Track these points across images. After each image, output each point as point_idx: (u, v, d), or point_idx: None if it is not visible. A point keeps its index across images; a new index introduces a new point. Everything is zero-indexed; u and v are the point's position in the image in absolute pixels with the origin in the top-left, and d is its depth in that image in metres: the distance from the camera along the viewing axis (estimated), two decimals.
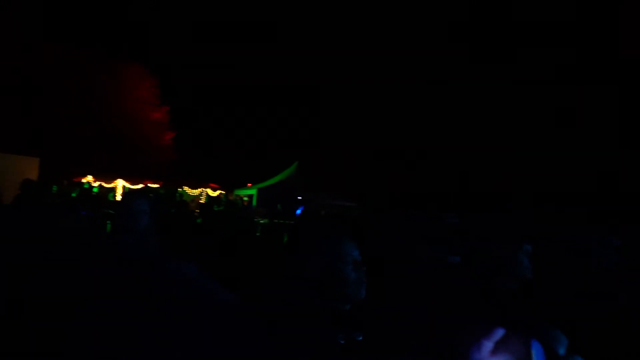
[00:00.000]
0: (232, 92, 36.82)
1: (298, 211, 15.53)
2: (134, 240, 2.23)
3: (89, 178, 18.44)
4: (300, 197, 18.53)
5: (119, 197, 17.57)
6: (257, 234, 13.06)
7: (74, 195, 13.73)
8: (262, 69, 38.09)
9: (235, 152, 33.28)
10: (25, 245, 3.15)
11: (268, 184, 22.46)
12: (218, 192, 21.63)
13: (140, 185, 18.75)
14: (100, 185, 18.27)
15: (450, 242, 3.02)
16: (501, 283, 1.92)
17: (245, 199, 22.38)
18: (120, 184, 19.03)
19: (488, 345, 0.78)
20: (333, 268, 1.23)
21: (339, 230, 1.32)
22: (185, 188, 20.95)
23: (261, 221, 14.27)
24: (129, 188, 19.12)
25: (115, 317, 1.03)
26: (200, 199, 20.51)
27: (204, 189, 21.69)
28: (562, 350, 1.11)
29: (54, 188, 12.44)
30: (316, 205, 17.66)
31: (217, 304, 0.99)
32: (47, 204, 5.92)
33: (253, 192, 21.95)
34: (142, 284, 1.07)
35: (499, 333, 0.79)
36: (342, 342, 1.12)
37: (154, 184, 19.81)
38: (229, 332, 0.95)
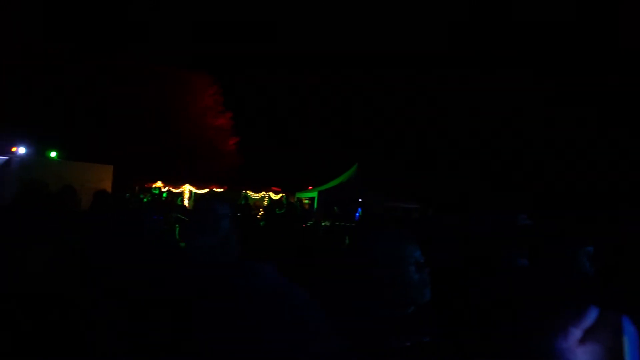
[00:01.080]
0: (293, 96, 37.29)
1: (357, 214, 15.45)
2: (216, 242, 2.31)
3: (159, 184, 19.26)
4: (360, 199, 18.46)
5: (186, 202, 18.24)
6: (319, 236, 13.16)
7: (145, 200, 14.33)
8: (324, 71, 38.24)
9: (296, 155, 33.63)
10: (116, 247, 3.34)
11: (328, 186, 22.54)
12: (280, 195, 21.95)
13: (206, 190, 19.38)
14: (169, 190, 19.03)
15: (524, 244, 2.92)
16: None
17: (306, 201, 22.60)
18: (187, 189, 19.74)
19: (576, 332, 0.69)
20: (395, 270, 1.22)
21: (401, 232, 1.30)
22: (248, 192, 21.43)
23: (322, 224, 14.33)
24: (196, 193, 19.82)
25: (212, 316, 1.07)
26: (263, 203, 20.92)
27: (266, 193, 22.10)
28: None
29: (127, 195, 13.11)
30: (376, 207, 17.55)
31: (298, 304, 1.01)
32: (125, 210, 6.22)
33: (314, 194, 22.09)
34: (231, 285, 1.10)
35: (590, 316, 0.70)
36: (408, 344, 1.11)
37: (219, 188, 20.40)
38: (310, 333, 0.97)
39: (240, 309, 1.01)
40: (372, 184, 20.52)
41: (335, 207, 15.86)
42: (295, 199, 21.86)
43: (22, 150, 12.36)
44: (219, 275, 1.21)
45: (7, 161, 12.23)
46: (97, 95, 24.07)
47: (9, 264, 4.32)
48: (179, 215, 10.91)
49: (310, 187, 23.72)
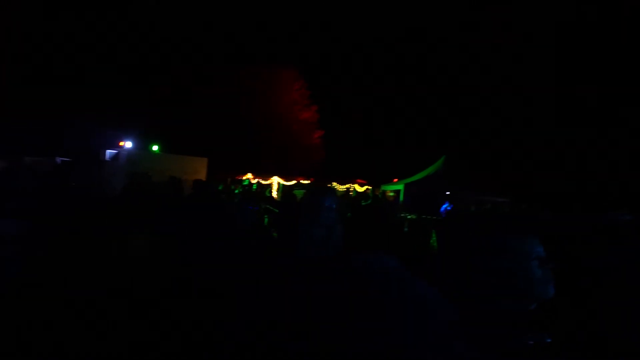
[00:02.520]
0: (378, 88, 36.99)
1: (442, 208, 15.02)
2: (324, 234, 2.34)
3: (249, 175, 19.94)
4: (448, 192, 17.97)
5: (274, 193, 18.75)
6: (405, 230, 13.01)
7: (236, 191, 14.87)
8: (408, 64, 37.63)
9: (382, 147, 33.41)
10: (212, 236, 3.51)
11: (415, 179, 22.16)
12: (365, 187, 21.92)
13: (293, 182, 19.79)
14: (258, 182, 19.65)
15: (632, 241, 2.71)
16: None
17: (392, 194, 22.36)
18: (275, 181, 20.28)
19: None
20: (516, 266, 1.16)
21: (522, 226, 1.23)
22: (334, 184, 21.59)
23: (408, 217, 14.14)
24: (284, 184, 20.29)
25: (329, 308, 1.07)
26: (348, 195, 21.00)
27: (351, 185, 22.16)
28: None
29: (220, 187, 13.67)
30: (465, 200, 17.00)
31: (420, 298, 0.99)
32: (221, 200, 6.49)
33: (400, 187, 21.83)
34: (346, 276, 1.11)
35: None
36: (531, 342, 1.06)
37: (306, 180, 20.74)
38: (431, 329, 0.95)
39: (368, 302, 1.01)
40: (460, 176, 19.92)
41: (419, 201, 15.55)
42: (380, 192, 21.73)
43: (128, 144, 13.30)
44: (329, 266, 1.22)
45: (116, 154, 13.22)
46: (193, 93, 25.39)
47: (115, 249, 4.69)
48: (268, 206, 11.21)
49: (395, 180, 23.47)
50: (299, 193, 14.20)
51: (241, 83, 27.05)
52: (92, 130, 17.24)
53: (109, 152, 13.44)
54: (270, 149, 26.83)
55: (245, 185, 17.27)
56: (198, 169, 13.28)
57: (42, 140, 18.87)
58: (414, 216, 14.13)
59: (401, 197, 20.82)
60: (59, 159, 16.31)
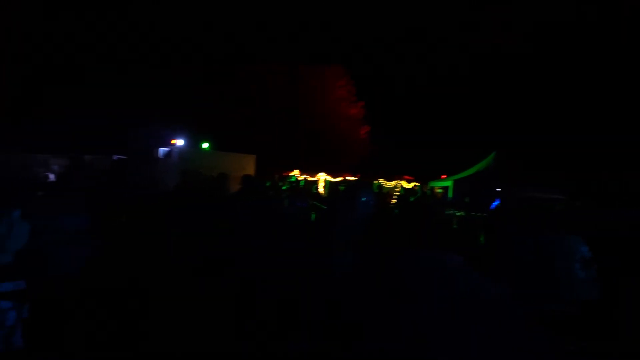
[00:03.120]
0: (427, 83, 36.40)
1: (493, 205, 14.66)
2: (358, 228, 2.39)
3: (296, 172, 20.13)
4: (499, 189, 17.52)
5: (321, 190, 18.86)
6: (454, 227, 12.78)
7: (284, 188, 15.05)
8: (457, 58, 36.79)
9: (430, 143, 32.89)
10: (261, 232, 3.61)
11: (464, 175, 21.73)
12: (413, 184, 21.69)
13: (340, 178, 19.84)
14: (305, 179, 19.81)
15: None
16: None
17: (440, 190, 22.02)
18: (322, 177, 20.38)
19: None
20: (555, 267, 1.15)
21: (560, 224, 1.21)
22: (381, 180, 21.48)
23: (457, 213, 13.90)
24: (330, 181, 20.38)
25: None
26: (395, 192, 20.83)
27: (398, 181, 21.97)
28: None
29: (267, 183, 13.89)
30: (517, 197, 16.53)
31: (488, 297, 0.99)
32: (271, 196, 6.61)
33: (449, 184, 21.47)
34: (416, 271, 1.13)
35: None
36: (571, 347, 1.05)
37: (352, 176, 20.74)
38: (501, 330, 0.95)
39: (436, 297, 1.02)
40: (512, 173, 19.38)
41: (465, 198, 15.21)
42: (429, 188, 21.44)
43: (180, 142, 13.72)
44: (383, 261, 1.24)
45: (168, 152, 13.68)
46: (241, 92, 25.87)
47: (167, 242, 4.86)
48: (315, 203, 11.27)
49: (444, 176, 23.10)
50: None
51: (288, 81, 27.35)
52: (146, 129, 17.88)
53: (162, 150, 13.91)
54: (317, 146, 26.98)
55: (293, 182, 17.45)
56: (246, 166, 13.56)
57: (99, 138, 19.74)
58: (462, 213, 13.86)
59: (450, 194, 20.48)
60: (115, 157, 17.04)
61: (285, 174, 20.17)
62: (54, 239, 2.68)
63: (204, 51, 26.49)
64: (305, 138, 27.02)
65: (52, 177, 14.81)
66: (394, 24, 38.67)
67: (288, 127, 26.72)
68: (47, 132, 21.14)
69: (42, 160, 19.36)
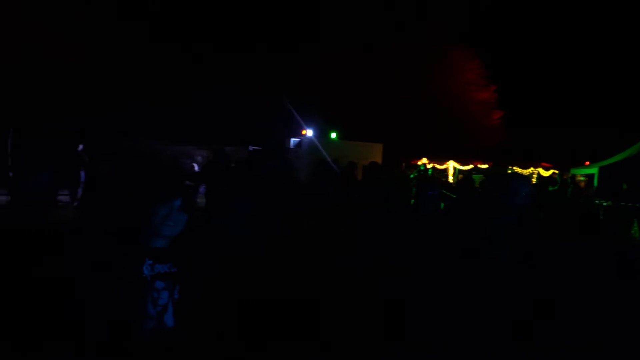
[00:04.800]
0: (565, 61, 33.32)
1: None
2: (516, 221, 2.27)
3: (424, 160, 19.71)
4: None
5: (450, 178, 18.27)
6: (601, 218, 11.60)
7: (412, 176, 14.84)
8: (598, 33, 33.08)
9: (571, 127, 30.12)
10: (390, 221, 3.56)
11: (612, 161, 19.56)
12: (551, 171, 20.11)
13: (470, 167, 19.02)
14: (433, 167, 19.33)
15: None
16: None
17: (582, 179, 20.12)
18: (451, 165, 19.72)
19: None
20: None
21: None
22: (515, 168, 20.20)
23: (604, 204, 12.63)
24: (459, 169, 19.65)
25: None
26: (532, 180, 19.44)
27: (534, 169, 20.52)
28: None
29: (412, 175, 13.80)
30: None
31: None
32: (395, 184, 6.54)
33: (593, 171, 19.49)
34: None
35: None
36: None
37: (483, 164, 19.79)
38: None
39: None
40: None
41: (624, 184, 13.59)
42: (570, 176, 19.67)
43: (310, 132, 14.15)
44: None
45: (299, 142, 14.19)
46: (366, 80, 25.90)
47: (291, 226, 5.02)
48: (444, 192, 10.93)
49: (587, 163, 21.06)
50: (477, 178, 13.60)
51: (415, 66, 26.75)
52: (279, 121, 18.74)
53: (293, 140, 14.46)
54: (445, 133, 26.14)
55: (421, 170, 17.13)
56: (373, 154, 13.54)
57: (237, 130, 21.16)
58: (610, 203, 12.55)
59: (595, 182, 18.61)
60: (250, 148, 18.11)
61: (413, 162, 19.88)
62: (233, 222, 2.92)
63: (333, 38, 26.80)
64: (433, 125, 26.31)
65: (196, 167, 16.19)
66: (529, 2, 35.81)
67: (415, 114, 26.22)
68: (188, 123, 23.19)
69: (187, 152, 21.27)
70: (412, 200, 4.31)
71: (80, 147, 12.55)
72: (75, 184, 8.71)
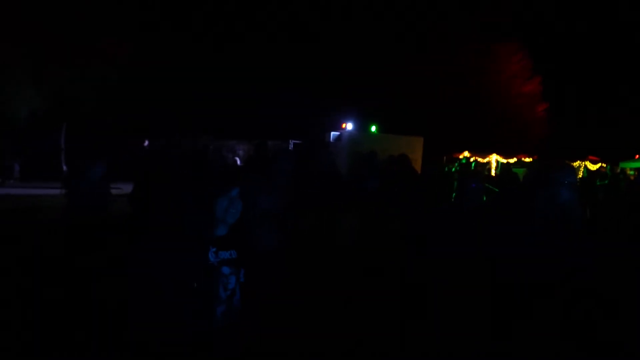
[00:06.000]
0: (613, 49, 31.95)
1: None
2: (559, 214, 2.28)
3: (466, 153, 19.45)
4: None
5: (493, 172, 17.96)
6: None
7: (453, 170, 14.67)
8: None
9: (620, 118, 28.94)
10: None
11: None
12: (599, 164, 19.46)
13: (514, 160, 18.65)
14: (476, 160, 19.05)
15: None
16: None
17: (631, 172, 19.39)
18: (494, 159, 19.38)
19: None
20: None
21: None
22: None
23: None
24: (502, 163, 19.28)
25: None
26: (578, 173, 18.88)
27: (581, 162, 19.91)
28: None
29: (454, 168, 13.68)
30: None
31: None
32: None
33: None
34: None
35: None
36: None
37: (527, 158, 19.36)
38: None
39: None
40: None
41: None
42: (619, 170, 18.99)
43: (349, 126, 14.18)
44: None
45: (338, 136, 14.26)
46: (408, 72, 25.65)
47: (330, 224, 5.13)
48: (487, 185, 10.80)
49: (638, 156, 20.27)
50: (519, 172, 13.33)
51: (458, 57, 26.28)
52: (319, 114, 18.88)
53: (333, 134, 14.52)
54: (487, 126, 25.62)
55: (463, 164, 16.93)
56: (414, 148, 13.45)
57: (280, 125, 21.48)
58: None
59: None
60: (292, 142, 18.34)
61: (454, 155, 19.64)
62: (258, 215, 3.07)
63: (373, 30, 26.63)
64: (476, 118, 25.81)
65: (238, 161, 16.54)
66: None
67: (457, 106, 25.79)
68: (231, 119, 23.69)
69: (230, 146, 21.74)
70: (454, 195, 4.34)
71: (146, 142, 13.07)
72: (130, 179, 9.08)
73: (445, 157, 17.94)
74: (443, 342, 2.80)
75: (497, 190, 8.72)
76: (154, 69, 20.03)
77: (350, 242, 5.01)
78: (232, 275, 1.90)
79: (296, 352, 3.38)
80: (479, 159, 19.36)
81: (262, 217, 3.19)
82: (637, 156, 20.34)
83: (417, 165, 11.38)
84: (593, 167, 19.52)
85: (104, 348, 3.28)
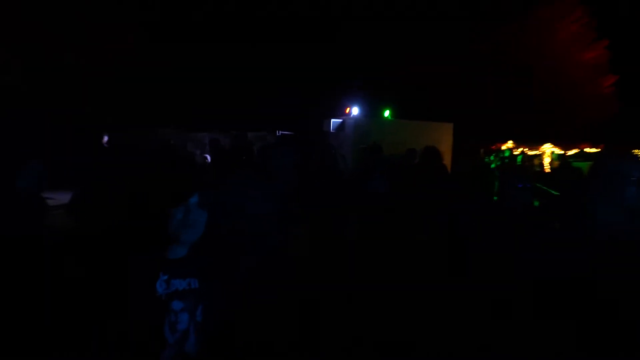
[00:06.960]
0: None
1: None
2: (621, 216, 2.26)
3: (509, 144, 19.45)
4: None
5: (547, 167, 17.98)
6: None
7: (493, 166, 14.66)
8: None
9: None
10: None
11: None
12: None
13: (574, 151, 18.68)
14: (523, 153, 19.06)
15: None
16: None
17: None
18: (548, 150, 19.37)
19: None
20: None
21: None
22: (636, 151, 19.65)
23: None
24: (558, 154, 19.29)
25: None
26: None
27: None
28: None
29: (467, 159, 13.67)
30: None
31: None
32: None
33: None
34: None
35: None
36: None
37: (592, 147, 19.38)
38: None
39: None
40: None
41: None
42: None
43: (355, 111, 14.13)
44: None
45: (340, 124, 14.22)
46: (430, 40, 25.69)
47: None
48: (539, 185, 10.77)
49: None
50: (583, 166, 13.30)
51: (495, 20, 26.32)
52: (314, 96, 18.85)
53: (334, 122, 14.48)
54: (537, 107, 25.64)
55: (506, 157, 16.95)
56: (441, 137, 13.42)
57: (262, 111, 21.52)
58: None
59: None
60: (279, 133, 18.33)
61: (494, 146, 19.64)
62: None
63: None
64: (522, 98, 25.83)
65: (208, 158, 16.49)
66: None
67: (496, 82, 25.81)
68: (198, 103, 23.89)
69: (198, 139, 21.68)
70: (495, 198, 4.34)
71: (106, 138, 13.16)
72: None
73: (482, 149, 17.92)
74: None
75: (554, 192, 8.66)
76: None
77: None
78: (183, 312, 1.80)
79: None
80: (527, 151, 19.38)
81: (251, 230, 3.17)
82: None
83: (446, 161, 11.37)
84: None
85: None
